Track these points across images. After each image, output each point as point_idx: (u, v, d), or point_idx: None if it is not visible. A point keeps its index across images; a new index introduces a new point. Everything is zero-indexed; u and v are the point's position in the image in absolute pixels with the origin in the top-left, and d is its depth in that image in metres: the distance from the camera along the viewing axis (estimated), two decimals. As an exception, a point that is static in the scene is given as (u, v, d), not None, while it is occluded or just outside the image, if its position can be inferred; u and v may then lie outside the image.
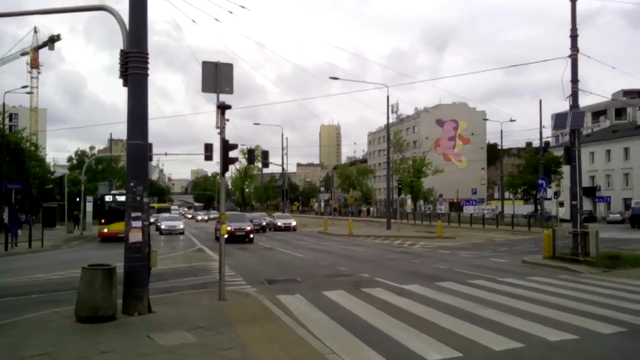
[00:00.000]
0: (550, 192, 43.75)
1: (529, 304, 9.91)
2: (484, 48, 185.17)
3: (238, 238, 27.11)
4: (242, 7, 14.82)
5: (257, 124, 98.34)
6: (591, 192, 63.12)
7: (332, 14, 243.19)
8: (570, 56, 17.26)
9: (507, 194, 63.44)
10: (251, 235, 28.06)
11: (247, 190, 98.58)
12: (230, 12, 13.70)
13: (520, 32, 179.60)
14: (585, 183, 56.25)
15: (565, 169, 34.18)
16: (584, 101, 24.13)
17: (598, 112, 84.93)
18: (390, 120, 48.45)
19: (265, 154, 51.68)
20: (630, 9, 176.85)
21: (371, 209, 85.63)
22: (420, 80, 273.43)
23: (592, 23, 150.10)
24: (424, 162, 66.48)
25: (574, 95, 17.33)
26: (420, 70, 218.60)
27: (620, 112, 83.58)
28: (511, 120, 76.48)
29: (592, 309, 9.43)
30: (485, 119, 73.18)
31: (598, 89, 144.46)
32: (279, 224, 41.87)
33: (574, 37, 17.27)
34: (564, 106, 17.99)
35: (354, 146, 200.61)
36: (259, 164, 68.71)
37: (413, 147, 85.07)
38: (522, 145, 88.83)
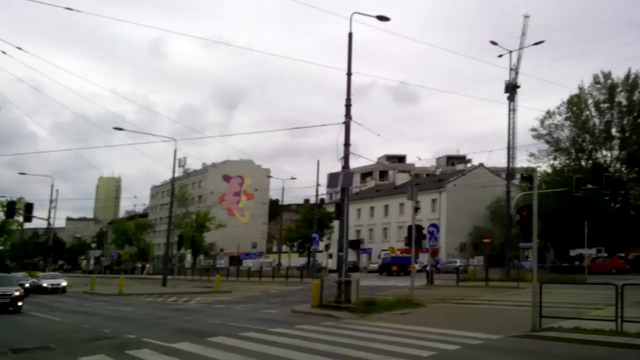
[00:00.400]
0: (322, 245, 47.17)
1: (294, 352, 10.25)
2: (271, 110, 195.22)
3: (1, 307, 21.33)
4: (19, 48, 13.13)
5: (23, 173, 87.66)
6: (356, 244, 69.95)
7: (120, 65, 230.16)
8: (344, 122, 19.26)
9: (285, 247, 66.52)
10: (19, 303, 22.05)
11: (1, 247, 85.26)
12: (4, 52, 11.67)
13: (304, 98, 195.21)
14: (352, 236, 62.13)
15: (336, 224, 37.19)
16: (355, 163, 26.98)
17: (366, 174, 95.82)
18: (177, 174, 47.50)
19: (28, 207, 45.89)
20: (395, 86, 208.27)
21: (147, 265, 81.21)
22: (209, 136, 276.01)
23: (365, 96, 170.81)
24: (207, 216, 66.29)
25: (346, 158, 19.30)
26: (210, 126, 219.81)
27: (383, 174, 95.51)
28: (292, 178, 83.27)
29: (347, 352, 10.14)
30: (269, 176, 76.76)
31: (367, 153, 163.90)
32: (44, 285, 36.28)
33: (348, 106, 19.29)
34: (339, 167, 19.83)
35: (134, 200, 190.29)
36: (21, 218, 60.53)
37: (198, 201, 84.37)
38: (301, 201, 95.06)
